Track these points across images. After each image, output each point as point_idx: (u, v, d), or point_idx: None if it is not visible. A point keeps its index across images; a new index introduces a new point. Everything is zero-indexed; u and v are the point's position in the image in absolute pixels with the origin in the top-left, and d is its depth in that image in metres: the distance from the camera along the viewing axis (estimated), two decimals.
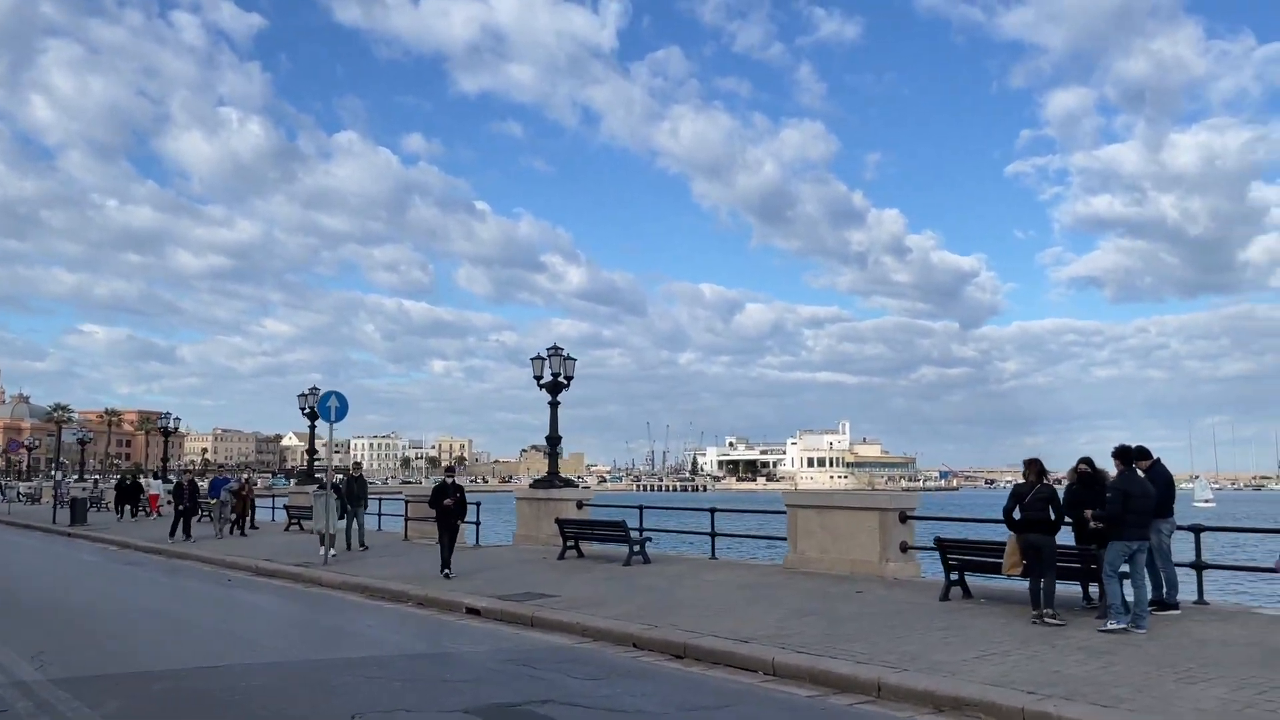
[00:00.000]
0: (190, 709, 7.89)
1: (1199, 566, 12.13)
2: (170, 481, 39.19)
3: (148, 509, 38.57)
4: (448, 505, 17.54)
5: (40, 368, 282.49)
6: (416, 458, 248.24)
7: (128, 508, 38.09)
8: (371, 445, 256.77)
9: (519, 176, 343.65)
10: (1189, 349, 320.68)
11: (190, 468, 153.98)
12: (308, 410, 31.01)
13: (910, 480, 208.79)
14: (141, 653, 10.59)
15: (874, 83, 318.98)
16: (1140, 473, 11.38)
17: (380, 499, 29.39)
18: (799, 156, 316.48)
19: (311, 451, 36.49)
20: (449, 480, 18.43)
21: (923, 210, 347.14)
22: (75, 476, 64.74)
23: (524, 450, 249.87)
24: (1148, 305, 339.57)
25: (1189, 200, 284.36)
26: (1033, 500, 11.41)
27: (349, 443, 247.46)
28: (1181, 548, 12.46)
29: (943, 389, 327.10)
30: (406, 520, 25.74)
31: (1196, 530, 12.17)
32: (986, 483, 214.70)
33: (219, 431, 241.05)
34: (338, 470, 24.11)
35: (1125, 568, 10.68)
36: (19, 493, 62.90)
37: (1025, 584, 11.64)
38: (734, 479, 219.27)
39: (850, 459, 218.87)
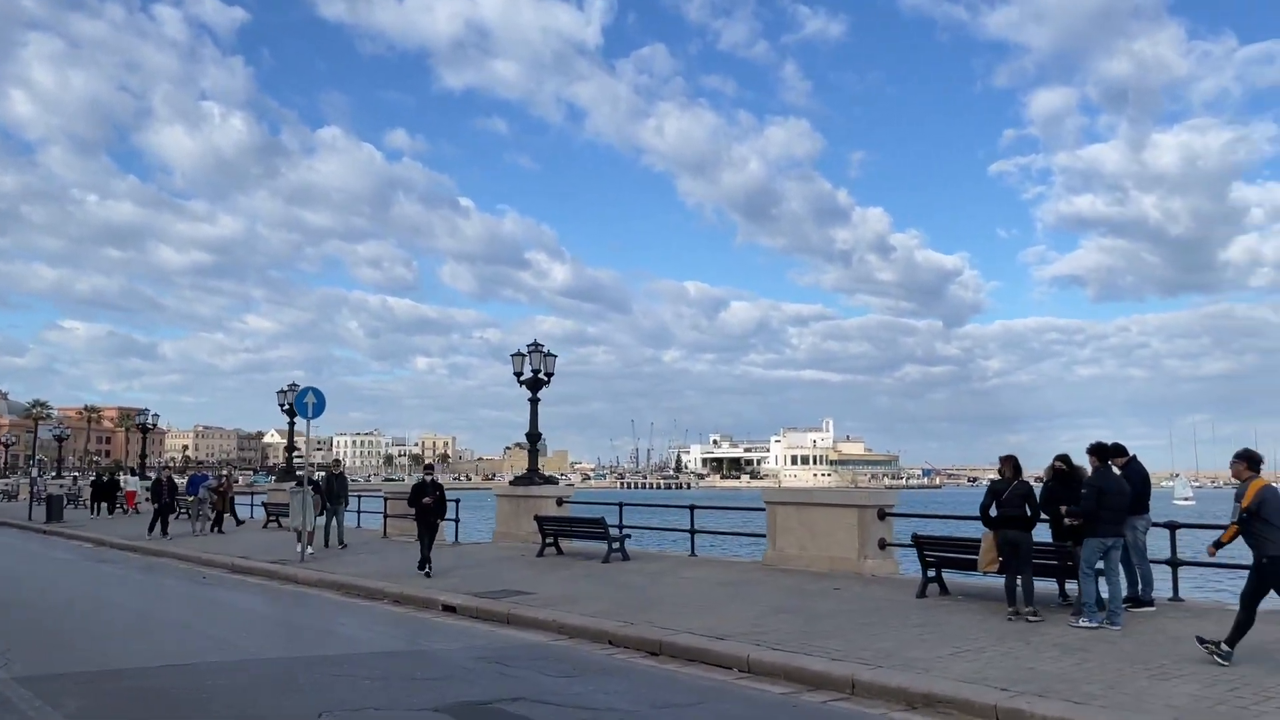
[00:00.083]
0: (152, 707, 7.76)
1: (1174, 564, 12.15)
2: (148, 479, 38.84)
3: (124, 506, 38.24)
4: (427, 503, 17.46)
5: (20, 364, 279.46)
6: (400, 455, 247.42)
7: (104, 505, 37.75)
8: (354, 443, 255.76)
9: (503, 173, 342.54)
10: (1170, 348, 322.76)
11: (171, 465, 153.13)
12: (287, 407, 30.81)
13: (893, 478, 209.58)
14: (109, 651, 10.44)
15: (858, 81, 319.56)
16: (1116, 470, 11.39)
17: (360, 497, 29.23)
18: (784, 154, 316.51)
19: (291, 449, 36.23)
20: (428, 478, 18.36)
21: (907, 209, 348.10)
22: (53, 473, 64.18)
23: (508, 448, 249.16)
24: (1129, 304, 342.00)
25: (1170, 200, 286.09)
26: (1010, 497, 11.41)
27: (331, 440, 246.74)
28: (1158, 545, 12.49)
29: (926, 387, 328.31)
30: (386, 518, 25.60)
31: (1172, 527, 12.19)
32: (969, 481, 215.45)
33: (200, 429, 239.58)
34: (320, 467, 23.94)
35: (1101, 564, 10.67)
36: None
37: (1002, 581, 11.63)
38: (718, 477, 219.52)
39: (834, 457, 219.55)
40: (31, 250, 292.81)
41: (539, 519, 19.85)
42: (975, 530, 12.43)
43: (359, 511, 27.96)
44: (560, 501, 21.91)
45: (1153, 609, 11.38)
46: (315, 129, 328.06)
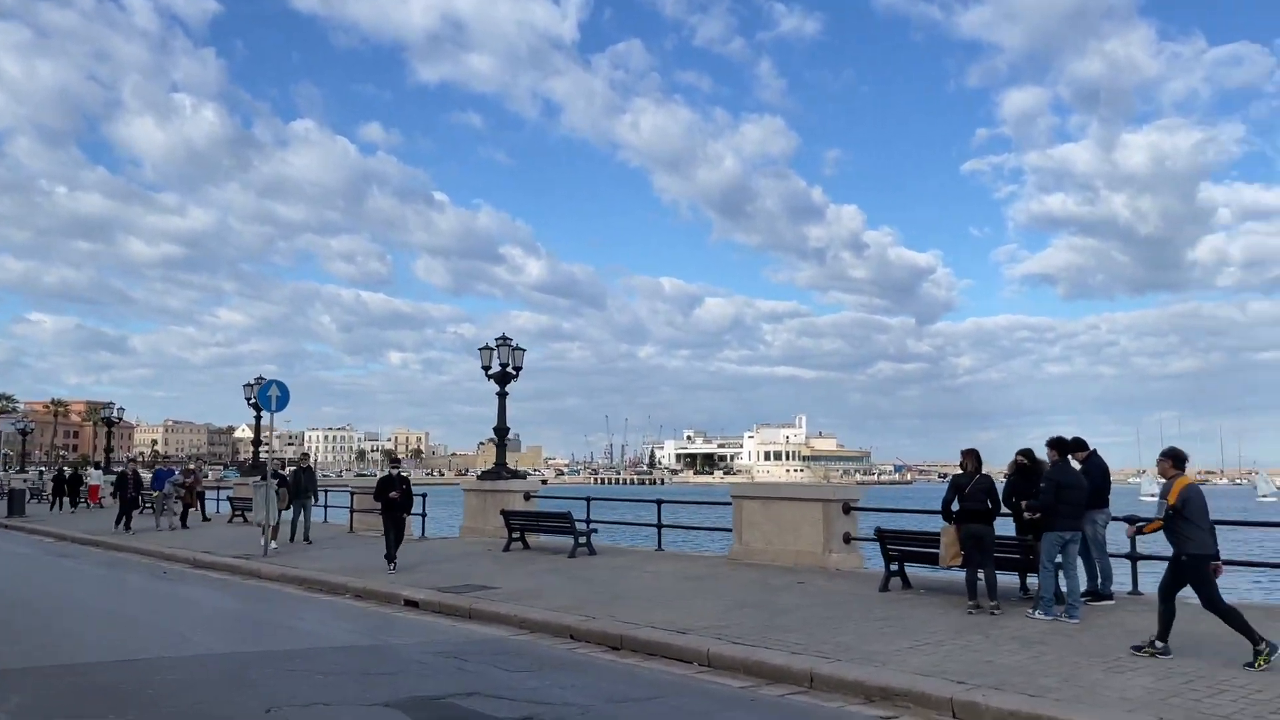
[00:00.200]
0: (99, 703, 7.59)
1: (1134, 558, 12.21)
2: (113, 473, 38.30)
3: (87, 501, 37.71)
4: (393, 498, 17.27)
5: None
6: (372, 450, 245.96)
7: (66, 499, 37.22)
8: (326, 437, 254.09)
9: (478, 167, 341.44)
10: (1138, 346, 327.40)
11: (139, 459, 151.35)
12: (253, 401, 30.47)
13: (865, 474, 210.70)
14: (61, 646, 10.26)
15: (833, 79, 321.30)
16: (1077, 464, 11.45)
17: (327, 491, 28.95)
18: (759, 152, 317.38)
19: (257, 443, 35.87)
20: (395, 472, 18.21)
21: (880, 207, 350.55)
22: (17, 468, 63.23)
23: (481, 443, 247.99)
24: (1099, 303, 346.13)
25: (1140, 200, 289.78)
26: (973, 491, 11.43)
27: (303, 435, 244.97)
28: (1119, 539, 12.54)
29: (898, 384, 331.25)
30: (352, 512, 25.39)
31: (1131, 521, 12.23)
32: (940, 476, 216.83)
33: (170, 423, 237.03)
34: (290, 462, 23.72)
35: (1060, 558, 10.72)
36: None
37: (964, 575, 11.64)
38: (691, 472, 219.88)
39: (806, 453, 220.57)
40: None
41: (505, 514, 19.73)
42: (940, 524, 12.45)
43: (325, 506, 27.68)
44: (528, 496, 21.78)
45: (1112, 603, 11.46)
46: (288, 121, 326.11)
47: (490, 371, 22.89)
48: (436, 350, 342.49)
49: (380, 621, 12.31)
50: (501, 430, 23.25)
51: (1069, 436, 11.45)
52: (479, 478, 23.93)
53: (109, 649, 10.02)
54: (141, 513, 28.77)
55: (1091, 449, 11.77)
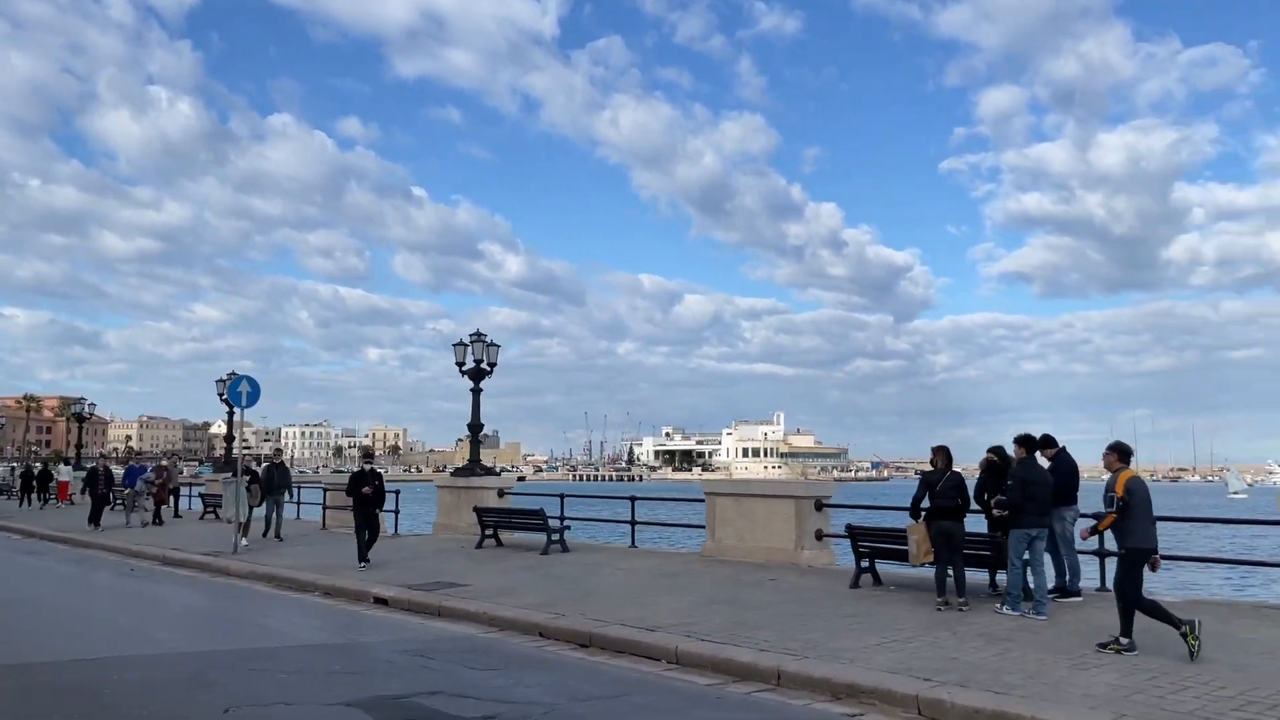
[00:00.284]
0: (54, 703, 7.45)
1: (1102, 554, 12.26)
2: (83, 469, 37.85)
3: (57, 498, 37.26)
4: (365, 493, 17.07)
5: None
6: (350, 446, 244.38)
7: (34, 496, 36.76)
8: (304, 433, 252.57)
9: (457, 163, 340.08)
10: (1112, 344, 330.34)
11: (113, 454, 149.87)
12: (225, 397, 30.18)
13: (843, 470, 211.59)
14: (22, 645, 10.09)
15: (813, 77, 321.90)
16: (1046, 460, 11.49)
17: (300, 488, 28.73)
18: (739, 149, 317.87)
19: (230, 439, 35.56)
20: (367, 467, 17.97)
21: (859, 205, 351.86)
22: None
23: (460, 439, 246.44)
24: (1074, 301, 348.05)
25: (1115, 199, 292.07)
26: (944, 488, 11.44)
27: (280, 431, 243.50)
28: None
29: (876, 381, 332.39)
30: (325, 509, 25.20)
31: (1099, 518, 12.29)
32: (917, 473, 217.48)
33: (145, 419, 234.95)
34: (265, 459, 23.56)
35: (1027, 554, 10.75)
36: None
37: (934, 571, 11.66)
38: (670, 469, 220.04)
39: (784, 449, 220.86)
40: None
41: (478, 510, 19.63)
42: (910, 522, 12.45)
43: (299, 503, 27.49)
44: (501, 493, 21.69)
45: (1079, 599, 11.51)
46: (265, 115, 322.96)
47: (465, 368, 22.77)
48: (415, 346, 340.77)
49: (348, 619, 12.20)
50: (475, 427, 23.14)
51: (1038, 434, 11.48)
52: (453, 474, 23.81)
53: (70, 648, 9.86)
54: (112, 509, 28.45)
55: (1060, 446, 11.81)
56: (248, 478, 21.79)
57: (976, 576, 12.37)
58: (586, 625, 10.61)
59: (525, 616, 11.35)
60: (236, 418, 28.97)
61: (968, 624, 10.27)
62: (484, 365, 22.76)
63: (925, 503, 11.64)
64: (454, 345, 23.01)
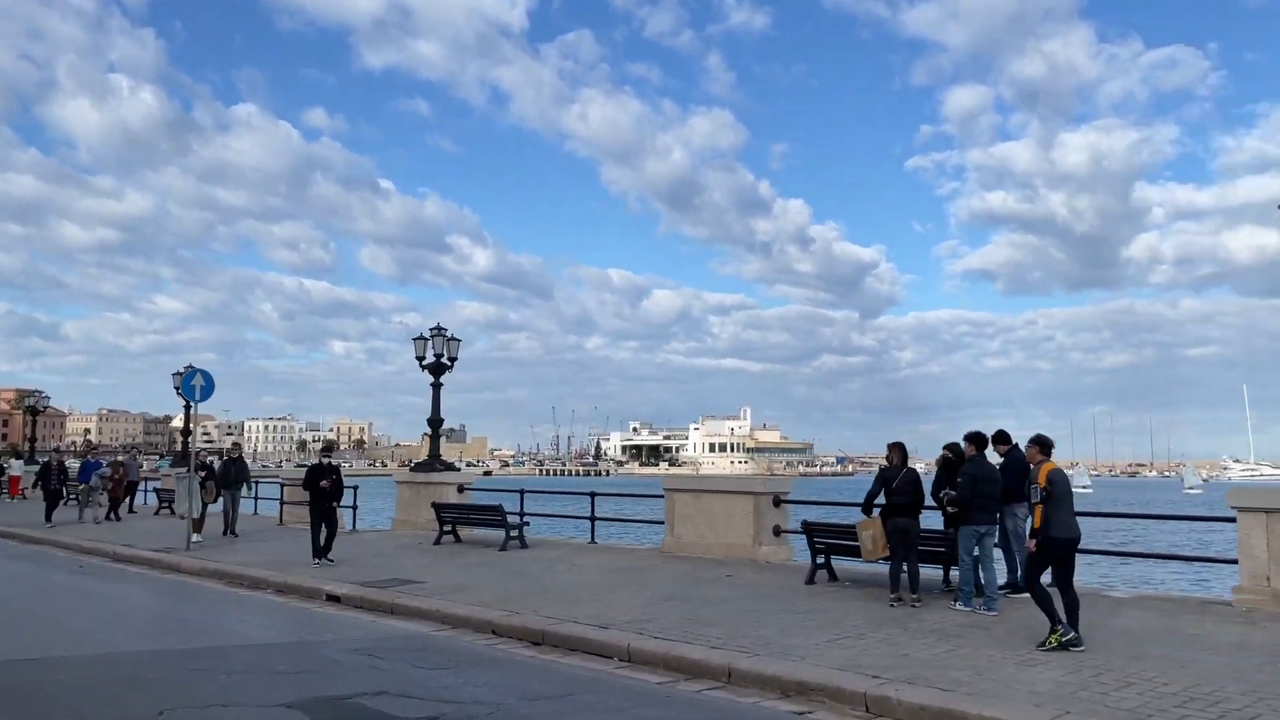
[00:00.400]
0: None
1: None
2: (36, 463, 37.10)
3: (8, 493, 36.52)
4: (323, 487, 16.78)
5: None
6: (314, 441, 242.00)
7: None
8: (267, 427, 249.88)
9: (425, 155, 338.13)
10: (1073, 341, 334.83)
11: (71, 448, 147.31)
12: (180, 390, 29.69)
13: (808, 465, 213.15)
14: None
15: (782, 74, 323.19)
16: (999, 457, 11.54)
17: (258, 482, 28.36)
18: (708, 145, 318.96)
19: (186, 432, 35.04)
20: (325, 461, 17.67)
21: (826, 201, 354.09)
22: None
23: (425, 434, 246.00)
24: (1036, 298, 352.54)
25: (1077, 198, 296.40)
26: (900, 484, 11.47)
27: (243, 425, 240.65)
28: None
29: (842, 377, 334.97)
30: (282, 504, 24.90)
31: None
32: (881, 469, 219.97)
33: (104, 412, 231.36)
34: (224, 453, 23.23)
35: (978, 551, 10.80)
36: None
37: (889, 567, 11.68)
38: (637, 464, 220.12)
39: (751, 444, 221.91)
40: None
41: (436, 506, 19.46)
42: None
43: (256, 498, 27.14)
44: (461, 489, 21.53)
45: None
46: (230, 105, 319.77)
47: (425, 363, 22.57)
48: (381, 340, 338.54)
49: (300, 617, 12.02)
50: (435, 422, 22.94)
51: (999, 431, 11.55)
52: (412, 470, 23.59)
53: (10, 648, 9.60)
54: (65, 504, 27.91)
55: (1013, 443, 11.87)
56: (203, 473, 21.47)
57: (931, 573, 12.43)
58: (539, 623, 10.53)
59: (478, 614, 11.24)
60: (193, 411, 28.48)
61: (920, 620, 10.30)
62: (444, 360, 22.57)
63: (880, 499, 11.67)
64: (414, 340, 22.82)
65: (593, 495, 19.50)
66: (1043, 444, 9.46)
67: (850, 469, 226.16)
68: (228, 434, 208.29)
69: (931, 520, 12.03)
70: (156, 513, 28.61)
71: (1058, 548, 8.95)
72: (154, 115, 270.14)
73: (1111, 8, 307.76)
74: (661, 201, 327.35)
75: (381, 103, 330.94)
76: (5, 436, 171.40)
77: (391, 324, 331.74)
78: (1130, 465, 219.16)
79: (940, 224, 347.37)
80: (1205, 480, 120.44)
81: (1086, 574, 22.81)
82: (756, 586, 12.83)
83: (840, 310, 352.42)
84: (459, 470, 24.44)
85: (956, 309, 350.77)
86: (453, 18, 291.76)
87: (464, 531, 19.43)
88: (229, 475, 22.28)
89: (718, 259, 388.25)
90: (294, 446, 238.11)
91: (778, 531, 15.45)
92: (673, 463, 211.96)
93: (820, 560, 13.21)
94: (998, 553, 11.61)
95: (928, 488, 11.72)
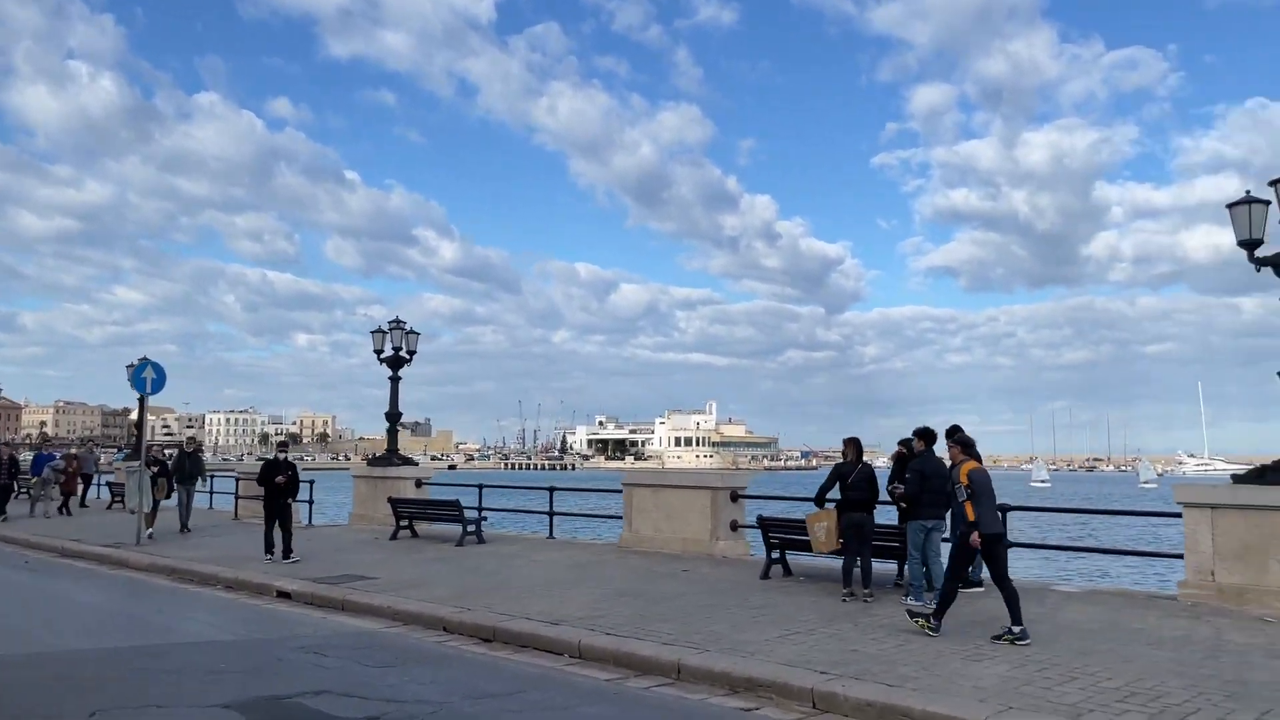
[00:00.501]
0: None
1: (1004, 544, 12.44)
2: None
3: None
4: (279, 482, 16.50)
5: None
6: (277, 434, 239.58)
7: None
8: (229, 421, 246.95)
9: (391, 147, 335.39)
10: (1034, 337, 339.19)
11: (26, 441, 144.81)
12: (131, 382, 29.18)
13: (773, 460, 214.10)
14: None
15: (749, 70, 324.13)
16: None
17: (214, 476, 27.94)
18: (675, 139, 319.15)
19: (140, 425, 34.48)
20: (281, 456, 17.35)
21: (793, 197, 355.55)
22: None
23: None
24: (998, 295, 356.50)
25: (1039, 196, 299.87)
26: (856, 479, 11.48)
27: (204, 417, 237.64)
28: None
29: (807, 372, 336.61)
30: (237, 499, 24.57)
31: (1003, 510, 12.47)
32: (836, 464, 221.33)
33: (61, 404, 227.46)
34: (186, 446, 22.93)
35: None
36: None
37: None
38: (603, 458, 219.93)
39: (716, 439, 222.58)
40: None
41: (393, 501, 19.28)
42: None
43: (211, 492, 26.74)
44: (419, 483, 21.35)
45: (981, 589, 11.62)
46: (192, 94, 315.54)
47: (383, 356, 22.35)
48: (346, 332, 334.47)
49: (248, 614, 11.83)
50: (394, 415, 22.73)
51: (965, 427, 11.58)
52: (369, 464, 23.35)
53: None
54: (17, 498, 27.33)
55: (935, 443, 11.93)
56: (155, 467, 21.11)
57: (885, 567, 12.47)
58: (491, 619, 10.44)
59: (430, 610, 11.12)
60: (145, 404, 27.95)
61: (871, 615, 10.32)
62: (403, 353, 22.37)
63: (835, 493, 11.69)
64: (372, 333, 22.58)
65: (551, 490, 19.42)
66: (964, 444, 9.62)
67: (815, 463, 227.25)
68: (188, 427, 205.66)
69: (888, 515, 12.08)
70: (109, 507, 28.14)
71: (984, 543, 9.10)
72: (114, 103, 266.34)
73: (1074, 8, 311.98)
74: (629, 195, 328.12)
75: (347, 93, 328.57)
76: None
77: (356, 316, 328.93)
78: (1088, 460, 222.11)
79: (905, 221, 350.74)
80: (1160, 475, 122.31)
81: (1043, 569, 23.11)
82: (712, 582, 12.81)
83: (806, 306, 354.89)
84: (417, 465, 24.21)
85: (920, 305, 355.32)
86: (420, 8, 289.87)
87: (421, 527, 19.27)
88: (183, 469, 21.93)
89: (685, 254, 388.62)
90: (256, 440, 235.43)
91: (735, 526, 15.45)
92: (639, 457, 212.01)
93: (775, 555, 13.23)
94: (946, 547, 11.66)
95: (883, 483, 11.76)
